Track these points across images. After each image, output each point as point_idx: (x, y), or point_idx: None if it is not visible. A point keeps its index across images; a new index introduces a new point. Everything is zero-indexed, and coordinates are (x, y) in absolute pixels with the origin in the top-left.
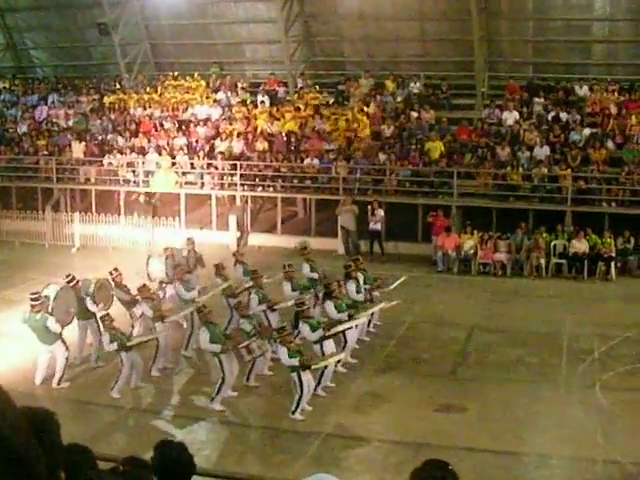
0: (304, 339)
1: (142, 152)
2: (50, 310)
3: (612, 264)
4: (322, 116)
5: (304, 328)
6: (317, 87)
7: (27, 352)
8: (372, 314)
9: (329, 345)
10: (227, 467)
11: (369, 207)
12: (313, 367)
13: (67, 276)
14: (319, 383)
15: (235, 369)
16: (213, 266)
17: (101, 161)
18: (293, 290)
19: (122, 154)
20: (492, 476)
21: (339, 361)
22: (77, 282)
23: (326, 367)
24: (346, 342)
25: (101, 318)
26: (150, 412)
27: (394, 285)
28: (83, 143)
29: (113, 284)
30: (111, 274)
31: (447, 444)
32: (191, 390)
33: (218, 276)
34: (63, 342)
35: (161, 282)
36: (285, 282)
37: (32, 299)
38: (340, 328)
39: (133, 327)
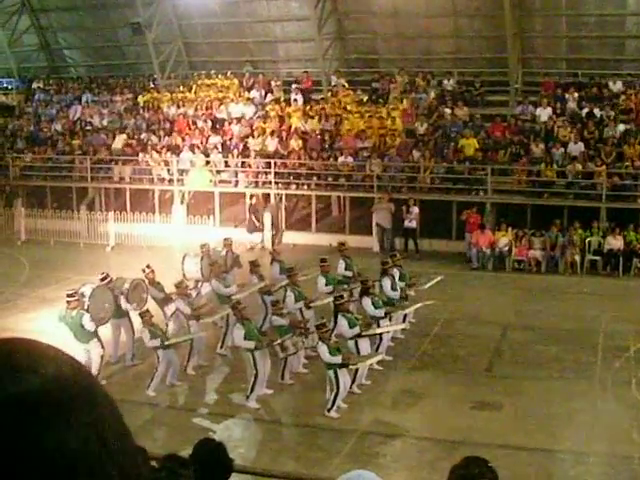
0: (340, 336)
1: (176, 151)
2: (86, 308)
3: None
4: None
5: (342, 322)
6: (346, 85)
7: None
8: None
9: (364, 344)
10: (262, 465)
11: (404, 205)
12: (352, 367)
13: (102, 274)
14: (354, 381)
15: (268, 366)
16: (248, 263)
17: (136, 160)
18: (327, 285)
19: (157, 152)
20: (527, 474)
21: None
22: (111, 280)
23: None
24: (381, 340)
25: (140, 314)
26: (186, 410)
27: (429, 284)
28: (124, 135)
29: (147, 281)
30: (144, 271)
31: (482, 441)
32: (226, 388)
33: (253, 273)
34: (99, 340)
35: (197, 280)
36: (320, 277)
37: (68, 296)
38: (378, 331)
39: (167, 325)
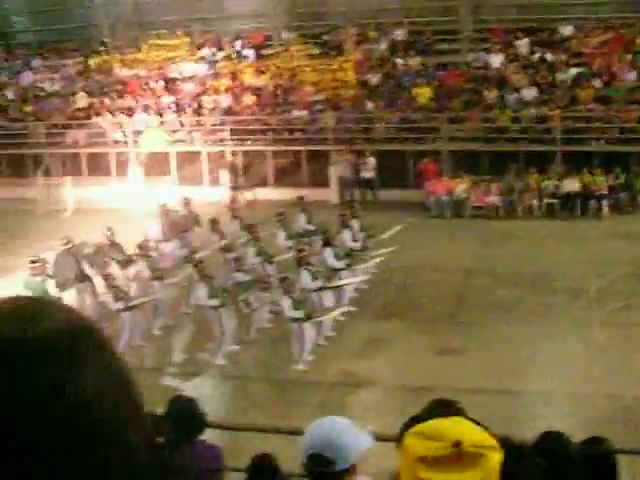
0: (302, 289)
1: (130, 112)
2: (50, 274)
3: (604, 202)
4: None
5: (304, 275)
6: (299, 38)
7: None
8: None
9: (328, 296)
10: (234, 420)
11: (359, 155)
12: (315, 319)
13: (64, 239)
14: (319, 333)
15: (234, 323)
16: (208, 221)
17: (90, 123)
18: (287, 239)
19: (111, 115)
20: (495, 416)
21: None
22: (73, 245)
23: None
24: (343, 292)
25: (103, 277)
26: (154, 370)
27: (389, 233)
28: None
29: (108, 243)
30: (105, 234)
31: (449, 386)
32: (193, 346)
33: (214, 232)
34: None
35: (158, 241)
36: (279, 231)
37: (31, 262)
38: (340, 283)
39: (129, 287)
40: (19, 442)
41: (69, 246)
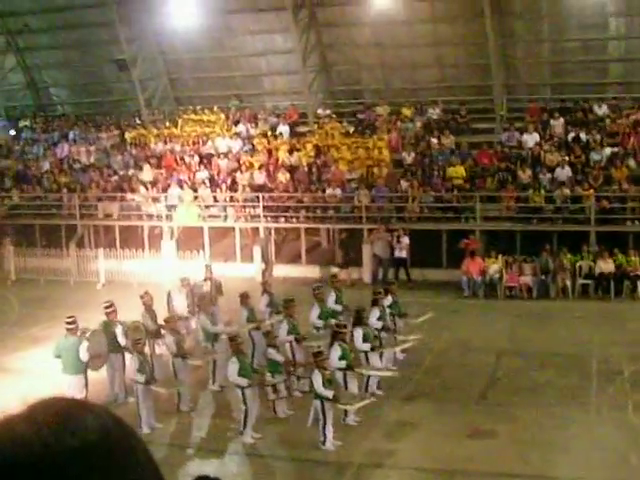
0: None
1: (164, 187)
2: (86, 336)
3: (638, 283)
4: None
5: (334, 352)
6: (333, 116)
7: (51, 390)
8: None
9: (352, 380)
10: None
11: (393, 234)
12: (340, 406)
13: (107, 303)
14: (346, 414)
15: (257, 405)
16: (238, 296)
17: (122, 196)
18: (319, 318)
19: (145, 188)
20: None
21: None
22: (114, 311)
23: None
24: (369, 378)
25: (134, 341)
26: (179, 447)
27: (421, 319)
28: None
29: (143, 308)
30: (142, 297)
31: (479, 470)
32: (219, 424)
33: (243, 306)
34: (85, 378)
35: (183, 317)
36: (315, 305)
37: (68, 322)
38: (365, 372)
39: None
40: None
41: (110, 310)
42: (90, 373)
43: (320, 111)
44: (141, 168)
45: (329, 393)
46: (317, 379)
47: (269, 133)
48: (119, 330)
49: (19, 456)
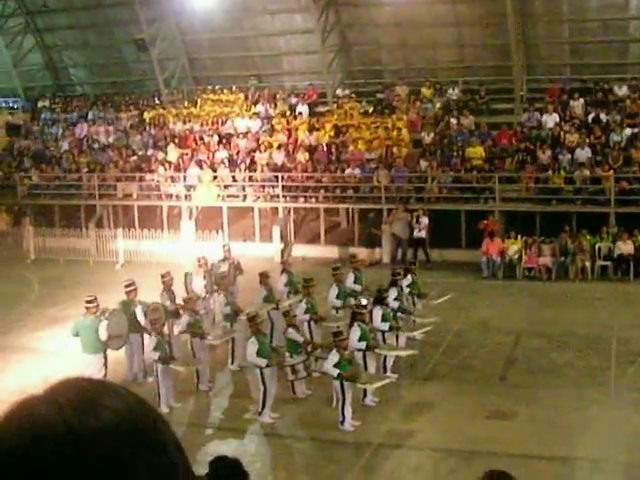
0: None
1: (183, 166)
2: (106, 316)
3: None
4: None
5: (354, 333)
6: (353, 96)
7: (70, 370)
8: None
9: (372, 359)
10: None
11: (412, 215)
12: (360, 386)
13: (128, 281)
14: (365, 394)
15: (275, 384)
16: (258, 275)
17: (141, 176)
18: (337, 297)
19: (164, 168)
20: None
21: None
22: (135, 290)
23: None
24: (386, 357)
25: (151, 321)
26: (198, 426)
27: (439, 301)
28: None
29: (163, 287)
30: (163, 276)
31: (498, 451)
32: (238, 404)
33: (263, 285)
34: (105, 357)
35: (203, 297)
36: (334, 286)
37: (88, 302)
38: (383, 352)
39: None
40: None
41: (130, 288)
42: (109, 352)
43: (339, 91)
44: (161, 148)
45: (335, 372)
46: (333, 358)
47: (288, 113)
48: (139, 309)
49: (43, 438)
